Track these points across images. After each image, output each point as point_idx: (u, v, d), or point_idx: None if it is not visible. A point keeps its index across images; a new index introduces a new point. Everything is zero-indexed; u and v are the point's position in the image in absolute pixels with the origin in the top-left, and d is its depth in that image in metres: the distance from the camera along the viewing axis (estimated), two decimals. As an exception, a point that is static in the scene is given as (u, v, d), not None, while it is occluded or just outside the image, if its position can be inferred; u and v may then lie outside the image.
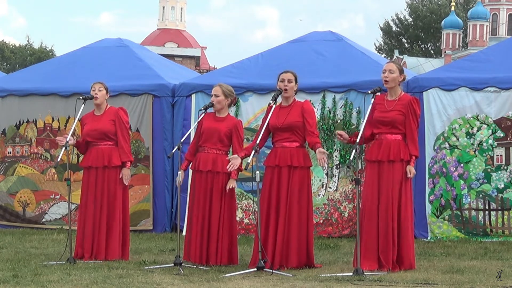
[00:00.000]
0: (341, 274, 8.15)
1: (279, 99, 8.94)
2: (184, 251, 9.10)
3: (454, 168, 11.69)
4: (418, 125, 8.74)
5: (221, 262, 8.95)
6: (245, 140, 12.06)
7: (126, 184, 9.57)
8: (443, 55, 69.18)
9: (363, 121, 8.62)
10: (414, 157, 8.61)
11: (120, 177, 9.49)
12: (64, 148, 9.33)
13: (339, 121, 12.23)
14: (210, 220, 8.98)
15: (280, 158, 8.76)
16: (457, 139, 11.72)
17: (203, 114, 9.15)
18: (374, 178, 8.61)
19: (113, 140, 9.54)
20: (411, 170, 8.57)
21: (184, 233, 11.19)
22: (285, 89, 8.82)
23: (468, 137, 11.69)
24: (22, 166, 13.27)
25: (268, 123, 8.80)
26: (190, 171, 9.59)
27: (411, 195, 8.76)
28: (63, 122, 13.10)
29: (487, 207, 11.56)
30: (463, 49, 69.64)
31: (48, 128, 13.19)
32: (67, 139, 9.35)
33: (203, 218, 9.00)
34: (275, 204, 8.74)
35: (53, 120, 13.17)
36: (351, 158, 8.37)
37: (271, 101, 8.83)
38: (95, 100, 9.55)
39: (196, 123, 9.24)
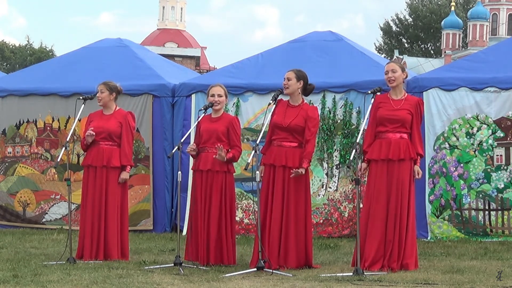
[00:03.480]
0: (341, 274, 8.15)
1: (287, 97, 8.93)
2: (185, 250, 9.10)
3: (454, 168, 11.69)
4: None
5: (222, 262, 8.95)
6: (244, 140, 12.09)
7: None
8: (443, 55, 69.13)
9: (363, 121, 8.62)
10: (419, 157, 8.66)
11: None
12: (64, 148, 9.35)
13: (339, 121, 12.22)
14: (210, 219, 8.97)
15: (276, 158, 8.76)
16: (457, 139, 11.72)
17: (203, 114, 9.14)
18: (383, 177, 8.57)
19: (116, 141, 9.53)
20: (419, 171, 8.60)
21: (184, 233, 11.20)
22: (285, 87, 8.82)
23: (468, 137, 11.69)
24: (22, 166, 13.27)
25: (270, 122, 8.80)
26: (191, 172, 9.57)
27: (414, 194, 8.78)
28: (63, 122, 13.10)
29: (487, 207, 11.56)
30: (463, 49, 69.60)
31: (48, 128, 13.19)
32: (67, 139, 9.38)
33: (203, 218, 9.00)
34: (271, 204, 8.74)
35: (53, 120, 13.17)
36: (351, 158, 8.36)
37: (271, 101, 8.83)
38: (98, 102, 9.59)
39: (196, 123, 9.24)
